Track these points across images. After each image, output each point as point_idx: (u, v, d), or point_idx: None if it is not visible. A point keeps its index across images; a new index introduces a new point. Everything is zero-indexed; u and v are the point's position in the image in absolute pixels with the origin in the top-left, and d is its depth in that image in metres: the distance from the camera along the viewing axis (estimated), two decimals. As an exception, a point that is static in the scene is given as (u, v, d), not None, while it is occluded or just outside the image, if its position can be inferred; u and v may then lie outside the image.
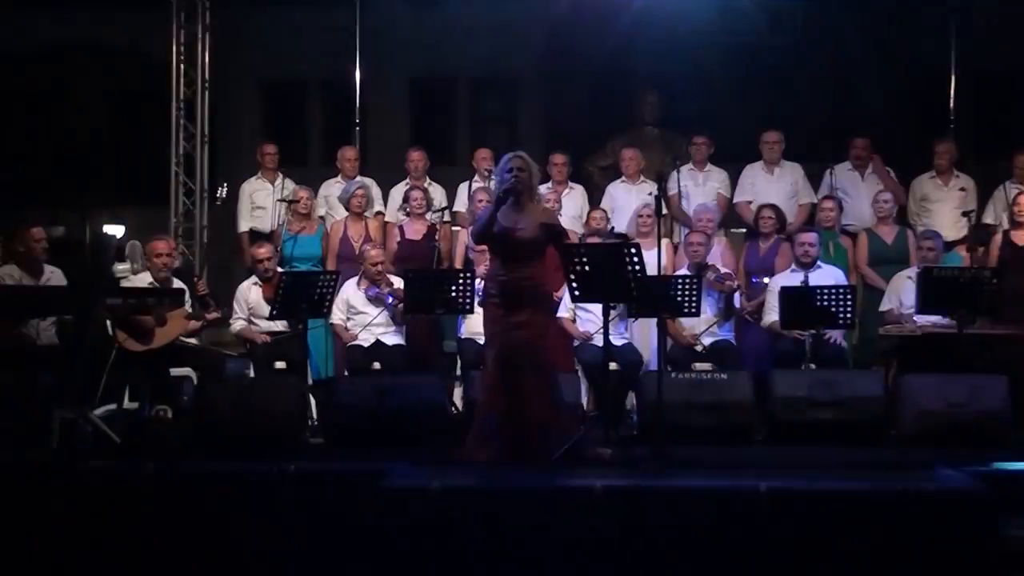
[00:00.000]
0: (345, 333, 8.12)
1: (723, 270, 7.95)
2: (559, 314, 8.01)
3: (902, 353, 7.71)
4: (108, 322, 7.44)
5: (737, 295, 7.88)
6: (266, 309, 7.79)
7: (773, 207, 8.70)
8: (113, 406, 7.52)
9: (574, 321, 8.06)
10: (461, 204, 9.35)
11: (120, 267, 9.43)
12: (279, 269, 8.17)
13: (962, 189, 9.01)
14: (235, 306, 8.16)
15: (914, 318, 7.77)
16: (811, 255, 8.01)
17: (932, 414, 6.60)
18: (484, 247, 6.41)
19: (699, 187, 9.35)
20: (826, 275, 7.99)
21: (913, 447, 6.57)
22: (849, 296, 7.45)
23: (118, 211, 15.41)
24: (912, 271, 7.97)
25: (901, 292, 7.97)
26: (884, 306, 8.07)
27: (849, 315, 7.45)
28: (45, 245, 7.44)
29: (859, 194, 9.11)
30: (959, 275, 7.31)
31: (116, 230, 12.91)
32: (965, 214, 8.67)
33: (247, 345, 8.14)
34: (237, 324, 8.12)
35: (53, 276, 7.34)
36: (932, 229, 8.48)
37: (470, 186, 9.21)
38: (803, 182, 9.27)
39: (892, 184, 9.07)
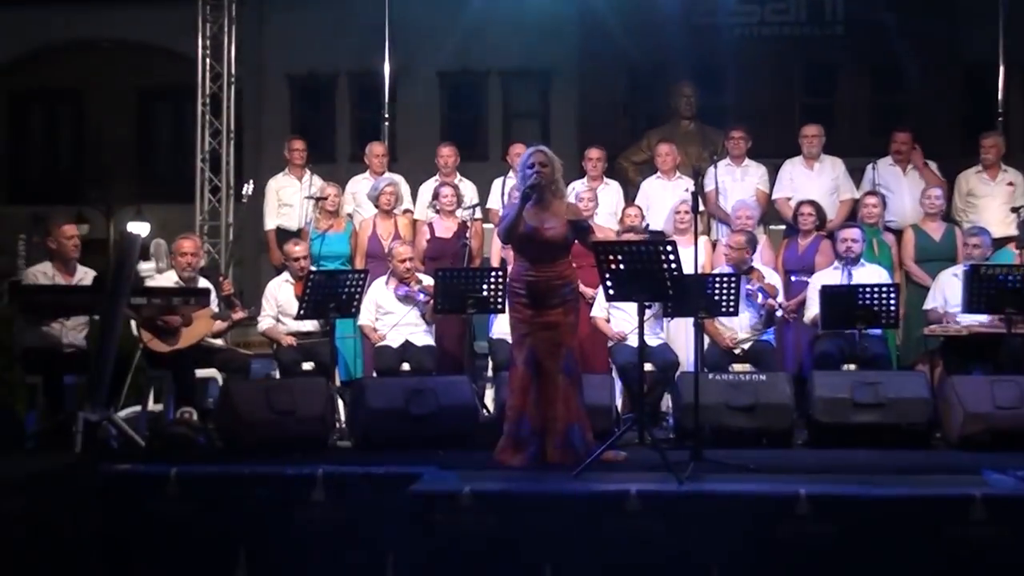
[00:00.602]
0: (374, 334, 8.12)
1: (765, 282, 7.84)
2: (593, 314, 7.98)
3: (947, 353, 7.63)
4: (133, 322, 7.48)
5: (780, 307, 7.78)
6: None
7: (813, 203, 8.63)
8: (138, 408, 7.56)
9: (608, 321, 8.02)
10: (494, 201, 9.33)
11: (145, 266, 9.49)
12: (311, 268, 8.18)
13: (1010, 184, 8.90)
14: (264, 304, 8.18)
15: (959, 317, 7.65)
16: (854, 252, 7.95)
17: (979, 417, 6.52)
18: (509, 246, 6.36)
19: (737, 183, 9.29)
20: (869, 273, 7.92)
21: (960, 451, 6.47)
22: (893, 294, 7.39)
23: (143, 209, 15.54)
24: (959, 269, 7.90)
25: (947, 290, 7.91)
26: (929, 304, 7.98)
27: (893, 314, 7.39)
28: (77, 242, 7.40)
29: (901, 189, 9.05)
30: (1008, 273, 7.21)
31: (141, 228, 12.98)
32: (1014, 210, 8.54)
33: (274, 346, 8.16)
34: (265, 322, 8.15)
35: (86, 277, 7.35)
36: (979, 225, 8.36)
37: (504, 183, 9.19)
38: (844, 177, 9.19)
39: (934, 179, 8.98)
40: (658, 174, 9.41)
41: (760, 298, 7.75)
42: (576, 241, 6.16)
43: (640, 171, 10.81)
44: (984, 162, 8.96)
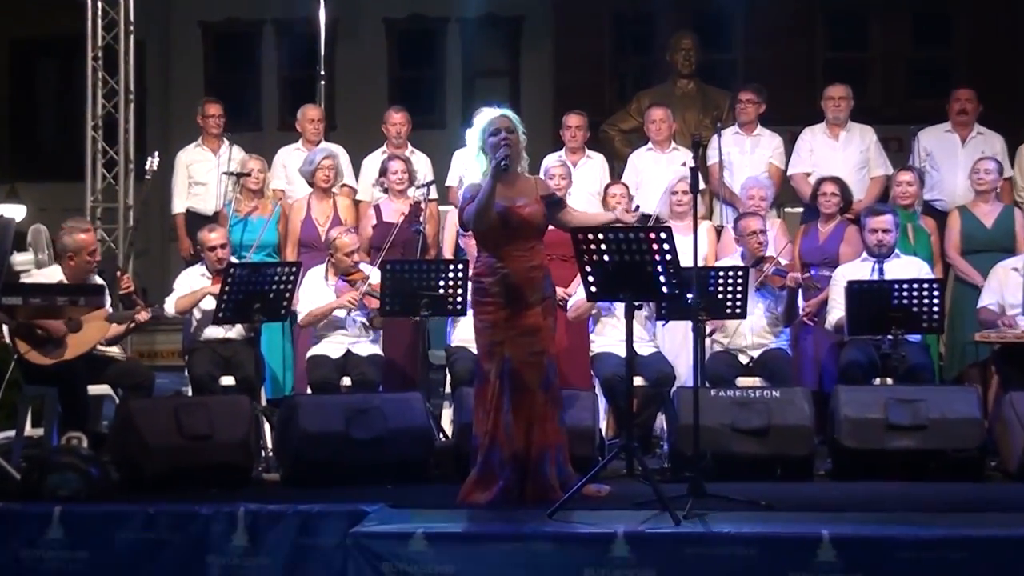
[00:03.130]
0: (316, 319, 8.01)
1: (784, 261, 7.88)
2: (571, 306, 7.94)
3: (1004, 364, 7.56)
4: (5, 328, 7.40)
5: (801, 294, 7.80)
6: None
7: (837, 181, 8.64)
8: (11, 433, 7.48)
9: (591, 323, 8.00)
10: (453, 178, 9.31)
11: (20, 258, 9.34)
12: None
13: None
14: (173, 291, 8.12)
15: (1019, 320, 7.66)
16: (886, 243, 7.92)
17: (1045, 442, 6.46)
18: (470, 234, 6.35)
19: (746, 155, 9.31)
20: (905, 267, 7.91)
21: (1021, 483, 6.46)
22: (936, 292, 7.38)
23: (19, 188, 15.37)
24: (1019, 261, 7.90)
25: (1004, 288, 7.84)
26: (982, 302, 7.92)
27: (936, 317, 7.38)
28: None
29: (955, 163, 8.98)
30: None
31: (15, 211, 12.87)
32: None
33: (185, 356, 8.11)
34: (171, 299, 8.06)
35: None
36: None
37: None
38: (876, 149, 9.19)
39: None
40: (650, 145, 9.41)
41: (778, 272, 7.70)
42: (550, 224, 6.15)
43: (629, 141, 10.80)
44: None
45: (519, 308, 6.04)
